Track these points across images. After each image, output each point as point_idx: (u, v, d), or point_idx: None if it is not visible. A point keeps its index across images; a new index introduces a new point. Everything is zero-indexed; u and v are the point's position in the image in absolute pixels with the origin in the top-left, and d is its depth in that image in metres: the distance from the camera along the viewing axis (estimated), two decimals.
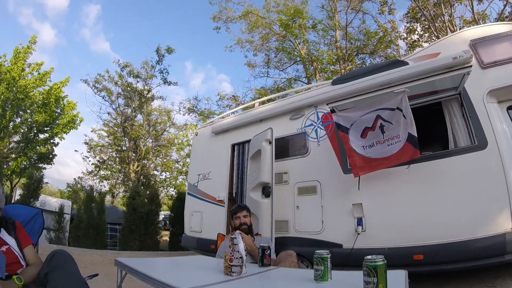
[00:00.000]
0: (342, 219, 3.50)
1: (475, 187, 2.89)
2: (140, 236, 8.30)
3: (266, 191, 3.87)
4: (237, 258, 1.56)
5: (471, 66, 3.02)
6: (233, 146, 5.03)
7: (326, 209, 3.67)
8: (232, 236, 1.62)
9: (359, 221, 3.36)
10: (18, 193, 9.70)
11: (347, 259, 3.25)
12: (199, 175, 5.52)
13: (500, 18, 9.18)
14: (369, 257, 1.18)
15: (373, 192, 3.36)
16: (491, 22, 9.36)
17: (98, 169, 17.15)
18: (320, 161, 3.90)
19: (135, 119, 16.69)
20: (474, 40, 3.33)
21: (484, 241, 2.70)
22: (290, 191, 4.04)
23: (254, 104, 5.55)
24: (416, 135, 3.01)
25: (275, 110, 4.57)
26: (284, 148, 4.31)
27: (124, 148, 16.64)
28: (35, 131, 12.50)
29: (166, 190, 18.09)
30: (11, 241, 1.76)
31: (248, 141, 4.60)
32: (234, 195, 4.74)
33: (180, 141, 17.77)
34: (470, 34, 3.48)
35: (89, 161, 17.18)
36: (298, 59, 13.85)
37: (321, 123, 3.97)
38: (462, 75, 3.00)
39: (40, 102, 12.44)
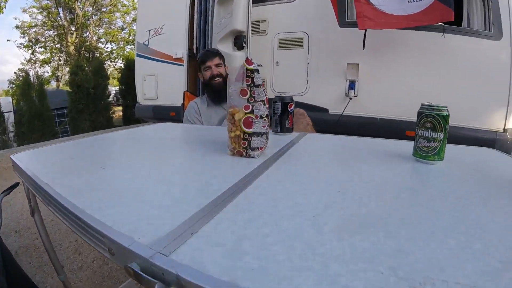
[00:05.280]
0: (331, 80, 3.00)
1: (480, 76, 2.67)
2: (90, 115, 7.53)
3: (240, 41, 3.01)
4: (261, 117, 0.73)
5: None
6: None
7: (313, 67, 3.08)
8: (250, 66, 0.73)
9: (352, 84, 2.94)
10: None
11: (333, 126, 2.90)
12: (149, 31, 4.37)
13: None
14: (426, 103, 0.76)
15: (374, 52, 2.80)
16: None
17: (30, 49, 14.79)
18: (310, 9, 3.09)
19: None
20: None
21: (476, 133, 2.61)
22: (269, 43, 3.26)
23: None
24: None
25: None
26: None
27: (60, 22, 14.07)
28: None
29: (114, 64, 16.15)
30: None
31: None
32: (195, 51, 3.83)
33: (123, 5, 15.04)
34: None
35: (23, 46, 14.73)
36: None
37: None
38: None
39: None
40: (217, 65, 1.83)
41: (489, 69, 2.67)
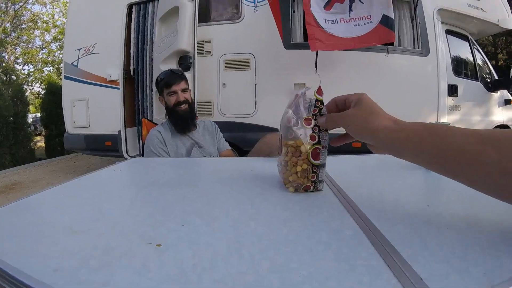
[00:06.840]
0: (280, 100, 2.90)
1: (413, 87, 3.06)
2: (10, 148, 6.47)
3: (186, 62, 2.86)
4: (326, 147, 0.67)
5: None
6: (129, 6, 3.53)
7: (261, 87, 3.07)
8: (320, 97, 0.63)
9: None
10: None
11: None
12: (79, 49, 3.94)
13: None
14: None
15: (320, 71, 2.89)
16: None
17: None
18: (256, 30, 3.15)
19: None
20: None
21: None
22: (214, 64, 3.15)
23: None
24: (393, 17, 2.68)
25: None
26: (208, 9, 3.26)
27: None
28: None
29: (31, 87, 14.26)
30: None
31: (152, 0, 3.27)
32: (132, 73, 3.52)
33: (44, 22, 13.56)
34: None
35: None
36: None
37: None
38: None
39: None
40: (183, 90, 1.62)
41: (420, 80, 3.09)
